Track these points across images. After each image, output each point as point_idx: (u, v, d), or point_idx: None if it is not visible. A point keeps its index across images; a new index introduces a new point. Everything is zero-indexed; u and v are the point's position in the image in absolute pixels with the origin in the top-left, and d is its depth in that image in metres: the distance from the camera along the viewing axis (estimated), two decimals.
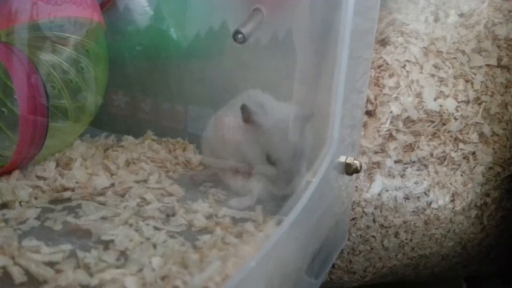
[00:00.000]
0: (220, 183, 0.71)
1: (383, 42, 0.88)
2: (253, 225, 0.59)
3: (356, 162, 0.66)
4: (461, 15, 0.90)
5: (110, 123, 0.84)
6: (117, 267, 0.50)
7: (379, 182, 0.81)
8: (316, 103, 0.67)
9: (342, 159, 0.66)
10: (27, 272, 0.48)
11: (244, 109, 0.64)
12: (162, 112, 0.83)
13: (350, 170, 0.67)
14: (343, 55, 0.60)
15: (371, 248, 0.84)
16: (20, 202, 0.62)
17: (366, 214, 0.82)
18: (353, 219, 0.82)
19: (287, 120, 0.64)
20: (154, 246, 0.54)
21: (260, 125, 0.64)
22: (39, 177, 0.68)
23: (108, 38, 0.74)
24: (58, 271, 0.49)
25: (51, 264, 0.50)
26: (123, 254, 0.52)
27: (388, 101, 0.83)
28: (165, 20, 0.78)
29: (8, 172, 0.68)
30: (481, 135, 0.84)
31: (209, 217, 0.62)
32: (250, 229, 0.58)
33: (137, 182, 0.70)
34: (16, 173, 0.67)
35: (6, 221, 0.58)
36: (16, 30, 0.65)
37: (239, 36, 0.63)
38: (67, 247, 0.53)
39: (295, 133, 0.64)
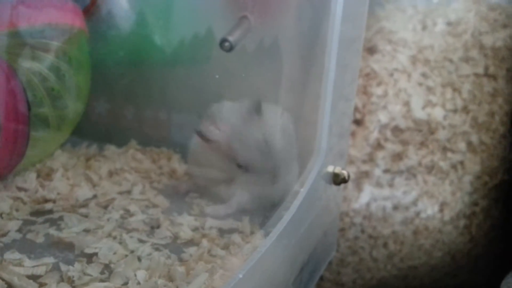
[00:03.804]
0: (205, 193, 0.70)
1: (370, 50, 0.88)
2: (240, 237, 0.59)
3: (344, 172, 0.66)
4: (448, 23, 0.90)
5: (91, 131, 0.82)
6: (102, 280, 0.49)
7: (367, 192, 0.82)
8: (303, 111, 0.67)
9: (330, 169, 0.66)
10: (10, 285, 0.47)
11: (198, 133, 0.64)
12: (145, 121, 0.82)
13: (338, 180, 0.66)
14: (331, 63, 0.60)
15: (360, 259, 0.84)
16: (1, 214, 0.61)
17: (354, 224, 0.82)
18: (342, 229, 0.82)
19: (237, 122, 0.64)
20: (139, 259, 0.53)
21: (218, 142, 0.64)
22: (19, 188, 0.67)
23: (90, 44, 0.73)
24: (42, 285, 0.48)
25: (34, 277, 0.49)
26: (107, 267, 0.52)
27: (376, 110, 0.83)
28: (149, 26, 0.77)
29: None
30: (469, 144, 0.85)
31: (195, 228, 0.61)
32: (237, 241, 0.58)
33: (120, 193, 0.69)
34: None
35: None
36: None
37: (226, 44, 0.62)
38: (50, 260, 0.52)
39: (247, 129, 0.63)
